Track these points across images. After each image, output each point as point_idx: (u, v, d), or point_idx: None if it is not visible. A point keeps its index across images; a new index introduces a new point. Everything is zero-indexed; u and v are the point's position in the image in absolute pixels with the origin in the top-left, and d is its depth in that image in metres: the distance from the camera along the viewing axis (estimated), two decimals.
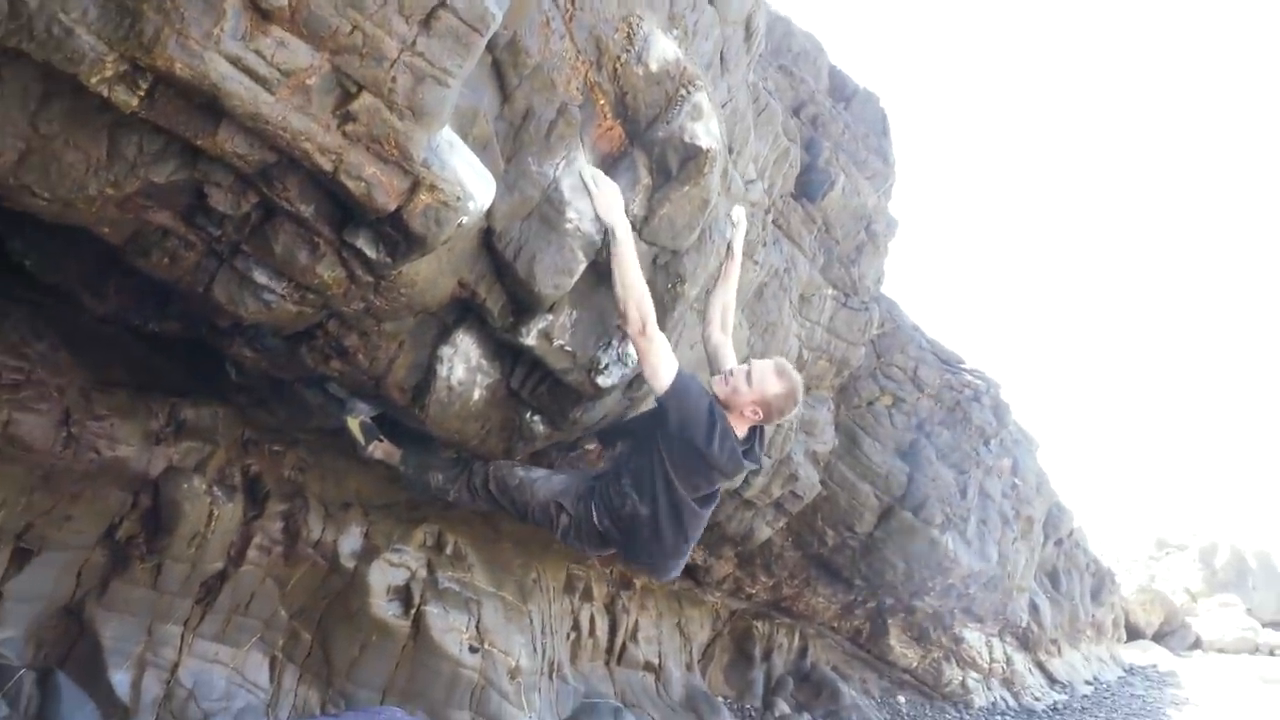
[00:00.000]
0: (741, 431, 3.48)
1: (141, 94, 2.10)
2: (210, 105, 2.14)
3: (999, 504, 9.96)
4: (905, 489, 8.22)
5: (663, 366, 3.27)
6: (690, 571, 7.84)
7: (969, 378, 9.16)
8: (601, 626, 7.23)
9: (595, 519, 3.61)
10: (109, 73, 2.01)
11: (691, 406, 3.31)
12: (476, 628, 5.37)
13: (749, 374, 3.49)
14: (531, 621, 5.86)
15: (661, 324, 3.58)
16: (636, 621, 7.62)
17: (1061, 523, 14.15)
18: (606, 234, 3.25)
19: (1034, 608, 12.94)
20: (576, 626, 6.97)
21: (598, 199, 3.22)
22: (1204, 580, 28.46)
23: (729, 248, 4.11)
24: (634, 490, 3.50)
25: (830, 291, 7.04)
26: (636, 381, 3.91)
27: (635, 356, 3.67)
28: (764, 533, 7.24)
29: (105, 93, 2.05)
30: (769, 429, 4.27)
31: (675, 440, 3.36)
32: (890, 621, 9.89)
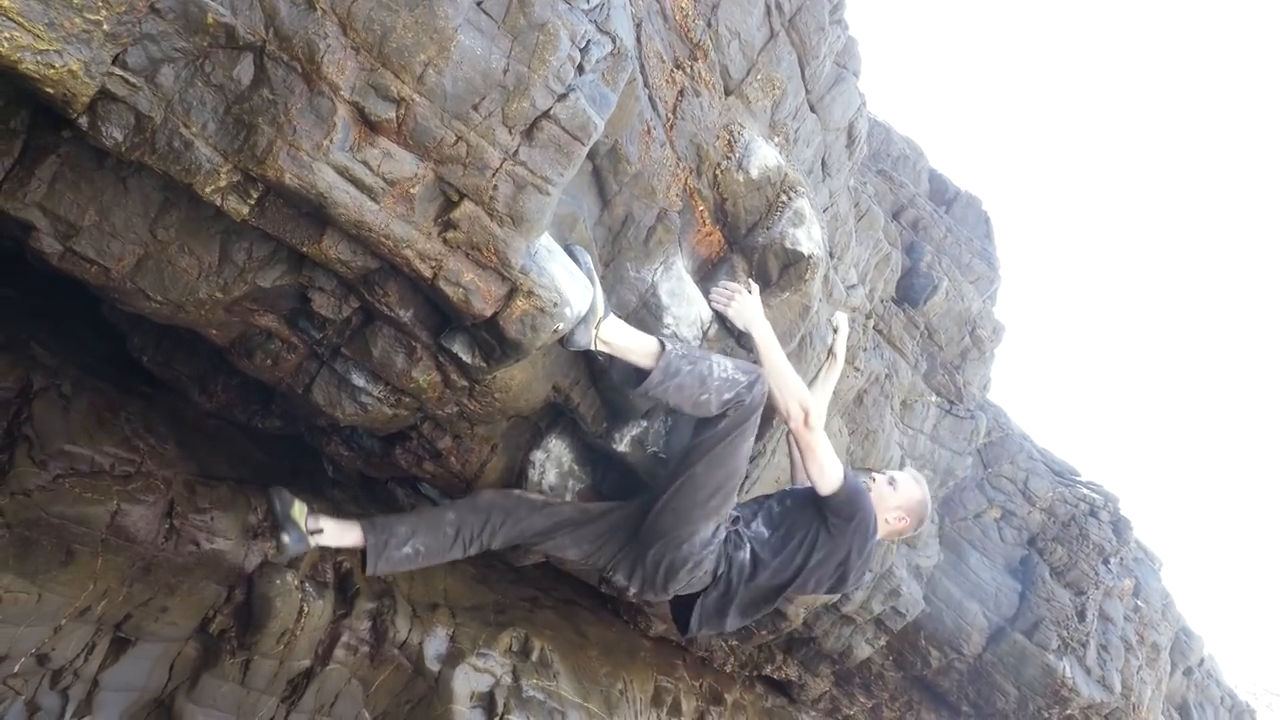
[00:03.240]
0: None
1: (252, 203, 2.16)
2: (317, 213, 2.18)
3: (1121, 628, 9.21)
4: (1017, 609, 7.71)
5: (829, 463, 3.01)
6: (784, 688, 7.47)
7: (1085, 490, 8.62)
8: None
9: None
10: (223, 183, 2.07)
11: (866, 512, 3.05)
12: None
13: (893, 480, 3.32)
14: None
15: (762, 434, 3.46)
16: None
17: (1191, 650, 13.02)
18: (747, 339, 3.17)
19: None
20: None
21: (739, 306, 3.16)
22: None
23: (830, 351, 3.98)
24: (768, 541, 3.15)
25: (934, 398, 6.79)
26: None
27: None
28: (863, 651, 6.85)
29: (218, 202, 2.12)
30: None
31: (842, 538, 3.07)
32: None
